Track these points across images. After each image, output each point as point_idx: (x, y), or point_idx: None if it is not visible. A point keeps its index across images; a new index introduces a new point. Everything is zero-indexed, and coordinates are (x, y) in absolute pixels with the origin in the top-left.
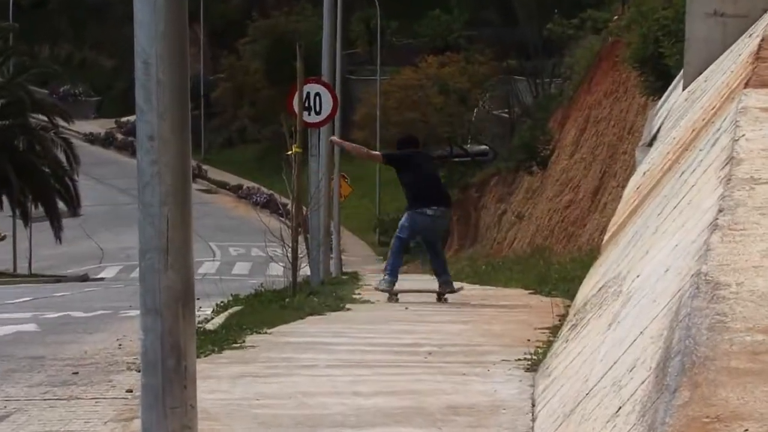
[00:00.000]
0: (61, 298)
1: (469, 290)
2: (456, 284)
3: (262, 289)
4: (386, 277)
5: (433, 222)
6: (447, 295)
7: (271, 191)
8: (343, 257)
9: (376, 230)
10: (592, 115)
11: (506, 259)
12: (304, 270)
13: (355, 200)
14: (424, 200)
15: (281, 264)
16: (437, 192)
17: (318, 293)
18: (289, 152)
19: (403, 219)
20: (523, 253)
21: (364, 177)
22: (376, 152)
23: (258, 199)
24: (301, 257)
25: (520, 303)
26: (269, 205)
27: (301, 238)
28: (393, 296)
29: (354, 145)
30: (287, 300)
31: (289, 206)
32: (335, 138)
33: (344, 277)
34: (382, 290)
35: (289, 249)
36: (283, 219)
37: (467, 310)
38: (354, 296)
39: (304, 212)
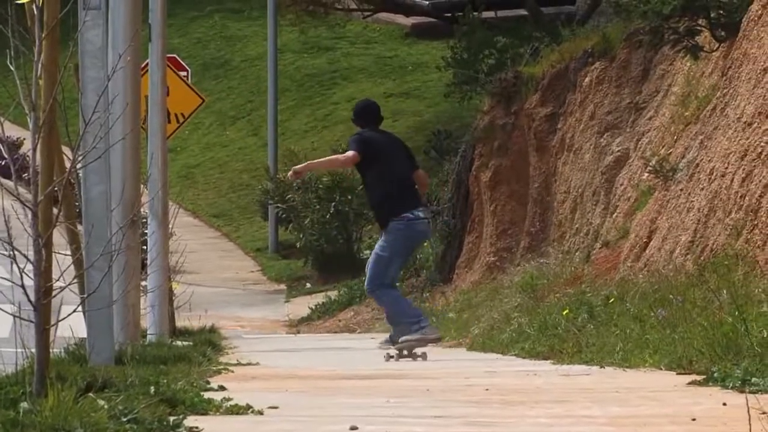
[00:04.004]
0: None
1: (523, 374)
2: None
3: None
4: (418, 326)
5: (428, 227)
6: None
7: None
8: (177, 286)
9: (268, 212)
10: None
11: (627, 286)
12: (74, 324)
13: (213, 135)
14: (407, 202)
15: (9, 311)
16: (417, 192)
17: (111, 386)
18: None
19: (384, 237)
20: (673, 271)
21: (230, 66)
22: (346, 153)
23: None
24: (58, 290)
25: (665, 411)
26: None
27: (59, 235)
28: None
29: (317, 160)
30: (24, 406)
31: (24, 149)
32: (297, 167)
33: (180, 342)
34: (431, 340)
35: (30, 268)
36: (7, 184)
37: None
38: (207, 393)
39: (67, 166)
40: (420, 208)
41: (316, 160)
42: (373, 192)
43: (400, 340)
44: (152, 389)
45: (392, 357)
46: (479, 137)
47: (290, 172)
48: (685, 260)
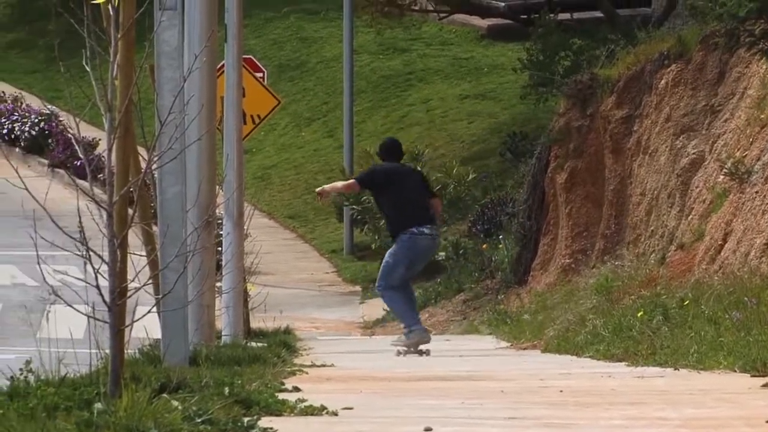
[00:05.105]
0: None
1: (597, 375)
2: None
3: (31, 378)
4: (409, 330)
5: (434, 242)
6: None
7: (49, 106)
8: (252, 287)
9: (344, 214)
10: None
11: (702, 289)
12: (149, 325)
13: (288, 136)
14: (414, 219)
15: (83, 311)
16: (427, 213)
17: (185, 387)
18: None
19: (393, 246)
20: (748, 273)
21: (306, 67)
22: (349, 180)
23: (10, 125)
24: (133, 291)
25: (739, 413)
26: (41, 148)
27: (134, 236)
28: (413, 349)
29: (331, 185)
30: (98, 407)
31: (99, 149)
32: (318, 189)
33: (256, 343)
34: (416, 342)
35: (105, 269)
36: (83, 185)
37: None
38: (282, 394)
39: (142, 167)
40: (426, 226)
41: (330, 185)
42: (386, 212)
43: (392, 342)
44: (227, 390)
45: (401, 353)
46: (555, 139)
47: (317, 194)
48: (760, 262)
